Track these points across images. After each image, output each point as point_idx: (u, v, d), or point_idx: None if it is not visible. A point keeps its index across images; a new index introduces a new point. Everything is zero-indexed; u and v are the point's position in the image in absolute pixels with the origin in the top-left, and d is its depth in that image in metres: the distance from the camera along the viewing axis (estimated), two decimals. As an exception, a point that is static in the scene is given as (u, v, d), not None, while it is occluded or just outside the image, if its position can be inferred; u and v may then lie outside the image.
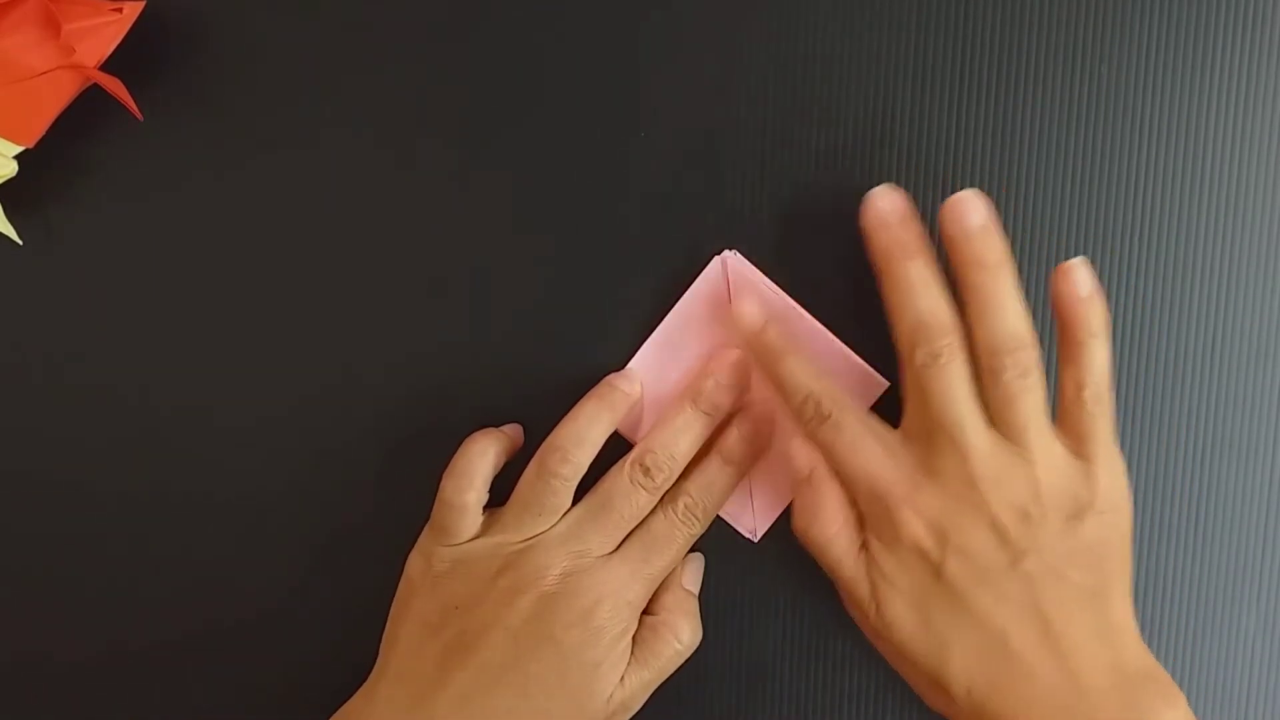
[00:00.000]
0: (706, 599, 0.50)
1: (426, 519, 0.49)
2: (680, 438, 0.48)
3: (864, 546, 0.46)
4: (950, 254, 0.45)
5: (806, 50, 0.49)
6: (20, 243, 0.49)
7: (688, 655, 0.48)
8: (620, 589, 0.46)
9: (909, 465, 0.45)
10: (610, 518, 0.47)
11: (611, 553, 0.47)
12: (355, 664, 0.49)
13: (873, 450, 0.45)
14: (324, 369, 0.50)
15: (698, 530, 0.48)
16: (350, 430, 0.51)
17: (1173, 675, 0.50)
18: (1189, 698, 0.51)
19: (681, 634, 0.48)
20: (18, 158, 0.46)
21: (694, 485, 0.48)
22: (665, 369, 0.49)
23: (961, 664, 0.44)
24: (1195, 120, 0.49)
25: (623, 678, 0.46)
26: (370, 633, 0.49)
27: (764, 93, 0.49)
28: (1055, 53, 0.49)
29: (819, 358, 0.48)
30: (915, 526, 0.44)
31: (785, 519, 0.50)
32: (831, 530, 0.46)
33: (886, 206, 0.46)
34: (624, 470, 0.47)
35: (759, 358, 0.48)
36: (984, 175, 0.49)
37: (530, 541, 0.47)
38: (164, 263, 0.50)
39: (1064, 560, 0.44)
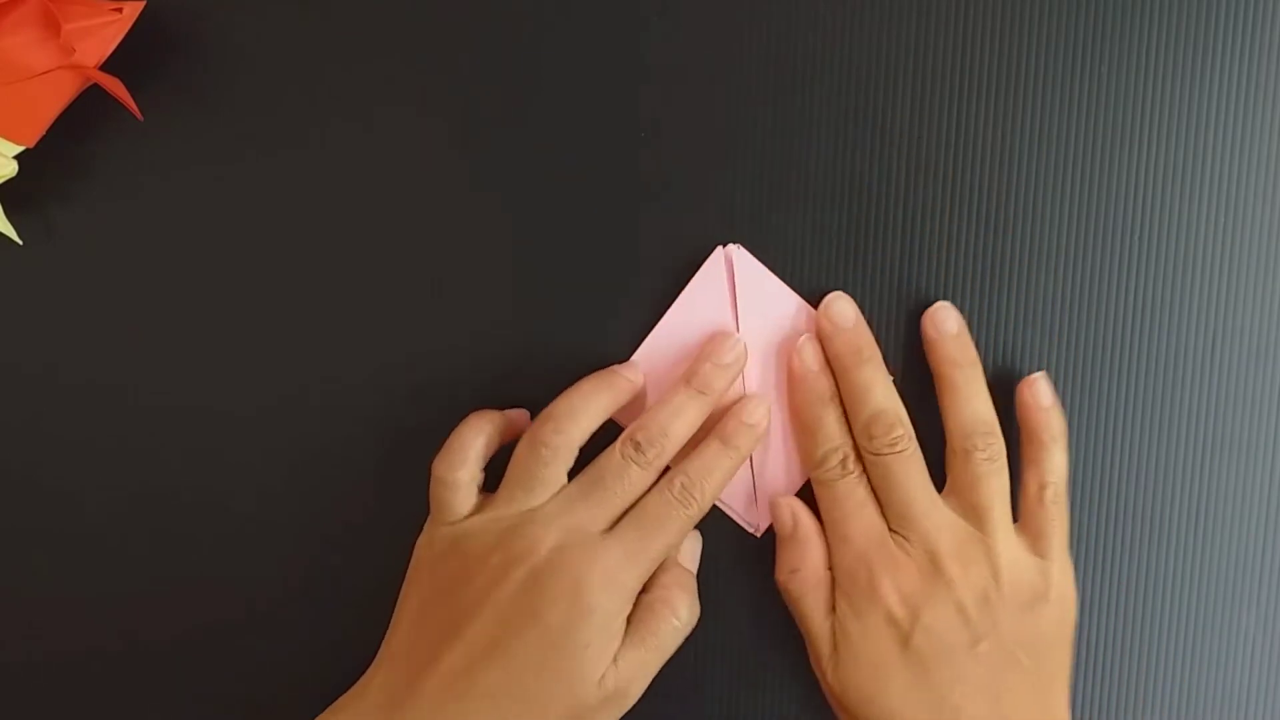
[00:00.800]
0: (709, 592, 0.49)
1: (426, 514, 0.49)
2: (674, 417, 0.47)
3: (833, 607, 0.48)
4: (930, 354, 0.49)
5: (806, 50, 0.49)
6: (20, 243, 0.49)
7: (686, 633, 0.47)
8: (614, 568, 0.46)
9: (889, 538, 0.48)
10: (602, 494, 0.46)
11: (607, 531, 0.47)
12: (353, 660, 0.49)
13: (871, 518, 0.48)
14: (324, 367, 0.50)
15: (695, 513, 0.47)
16: (350, 427, 0.51)
17: (1173, 675, 0.51)
18: (1189, 697, 0.51)
19: (679, 610, 0.47)
20: (18, 158, 0.46)
21: (692, 466, 0.48)
22: (667, 362, 0.49)
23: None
24: (1195, 120, 0.49)
25: (616, 658, 0.46)
26: (369, 628, 0.49)
27: (764, 93, 0.49)
28: (1055, 53, 0.49)
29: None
30: (892, 597, 0.46)
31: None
32: (810, 585, 0.48)
33: (839, 314, 0.49)
34: (616, 447, 0.47)
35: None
36: (984, 175, 0.49)
37: (523, 516, 0.46)
38: (163, 262, 0.50)
39: (1016, 645, 0.46)
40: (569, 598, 0.45)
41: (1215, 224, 0.49)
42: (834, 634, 0.47)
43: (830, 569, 0.48)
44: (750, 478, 0.50)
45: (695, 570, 0.50)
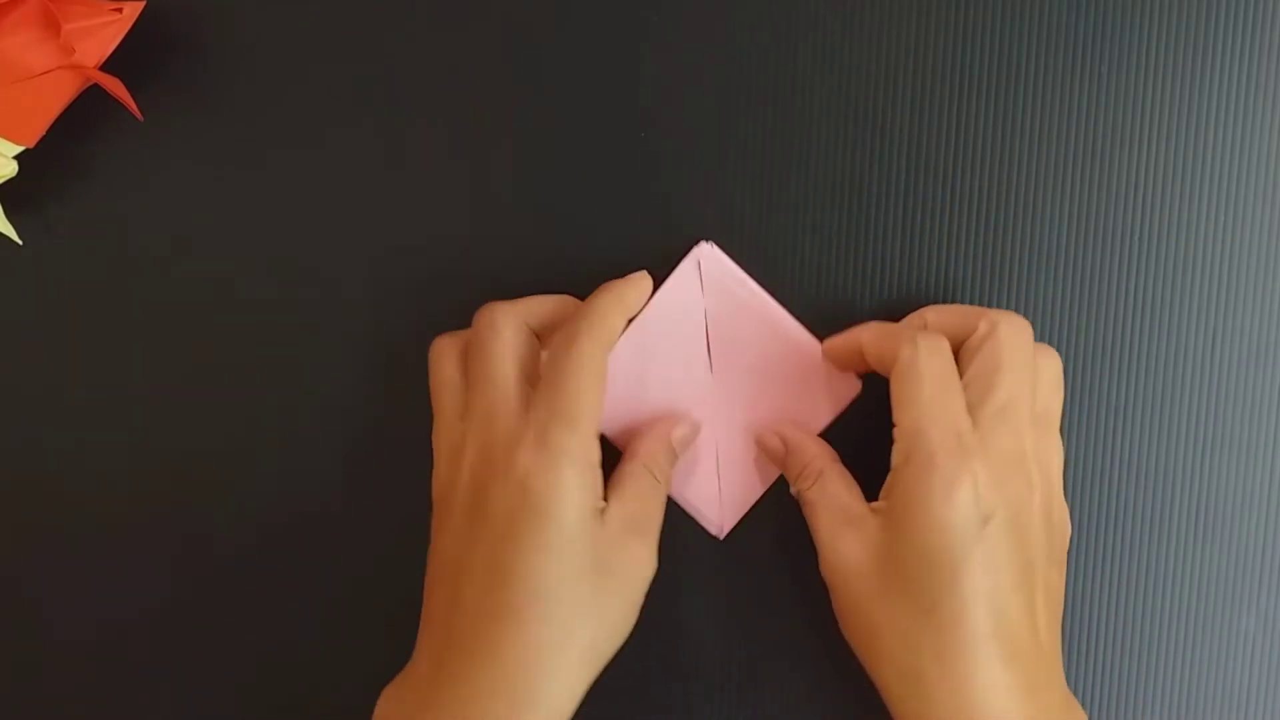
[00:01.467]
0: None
1: (425, 510, 0.49)
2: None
3: (895, 503, 0.44)
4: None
5: (806, 49, 0.49)
6: (20, 243, 0.49)
7: (666, 484, 0.47)
8: (540, 430, 0.44)
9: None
10: (475, 372, 0.45)
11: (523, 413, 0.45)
12: (352, 651, 0.49)
13: (962, 403, 0.44)
14: (324, 366, 0.50)
15: (597, 337, 0.45)
16: (351, 426, 0.51)
17: (1173, 675, 0.51)
18: (1189, 697, 0.51)
19: (653, 468, 0.46)
20: (18, 158, 0.46)
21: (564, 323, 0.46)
22: (636, 367, 0.49)
23: (971, 594, 0.42)
24: (1195, 120, 0.49)
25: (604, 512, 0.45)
26: (370, 624, 0.49)
27: (764, 93, 0.49)
28: (1055, 53, 0.49)
29: (796, 354, 0.49)
30: (981, 476, 0.43)
31: (749, 518, 0.50)
32: (824, 479, 0.46)
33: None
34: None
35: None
36: (984, 175, 0.49)
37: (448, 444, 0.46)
38: (164, 262, 0.50)
39: (1049, 562, 0.44)
40: (522, 493, 0.43)
41: (1215, 224, 0.49)
42: (888, 514, 0.44)
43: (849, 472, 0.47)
44: (716, 480, 0.49)
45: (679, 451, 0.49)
